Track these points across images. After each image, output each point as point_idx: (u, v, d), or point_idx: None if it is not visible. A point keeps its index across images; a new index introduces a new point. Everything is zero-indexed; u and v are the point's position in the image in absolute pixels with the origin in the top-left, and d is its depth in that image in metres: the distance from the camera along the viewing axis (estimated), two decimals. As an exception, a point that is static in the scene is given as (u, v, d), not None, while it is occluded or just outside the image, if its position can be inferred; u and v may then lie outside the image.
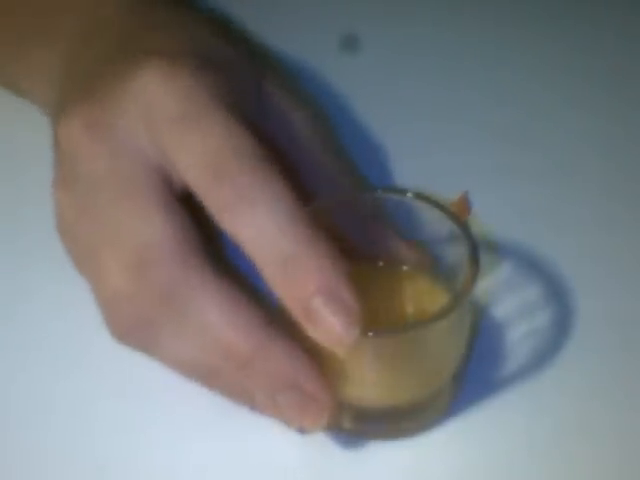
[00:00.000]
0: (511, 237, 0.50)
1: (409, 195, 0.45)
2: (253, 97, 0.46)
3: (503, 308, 0.47)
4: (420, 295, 0.44)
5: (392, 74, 0.59)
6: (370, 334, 0.39)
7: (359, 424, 0.43)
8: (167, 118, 0.41)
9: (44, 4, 0.50)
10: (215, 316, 0.39)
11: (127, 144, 0.41)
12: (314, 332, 0.38)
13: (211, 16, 0.51)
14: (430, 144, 0.55)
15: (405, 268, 0.45)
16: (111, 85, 0.42)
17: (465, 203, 0.52)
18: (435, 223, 0.44)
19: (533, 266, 0.49)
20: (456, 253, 0.43)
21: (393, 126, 0.56)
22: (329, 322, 0.38)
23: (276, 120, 0.46)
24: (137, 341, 0.41)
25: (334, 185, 0.46)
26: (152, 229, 0.40)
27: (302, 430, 0.42)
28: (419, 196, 0.45)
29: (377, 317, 0.42)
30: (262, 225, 0.39)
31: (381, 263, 0.46)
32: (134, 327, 0.41)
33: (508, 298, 0.47)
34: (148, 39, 0.45)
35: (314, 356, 0.40)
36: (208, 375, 0.41)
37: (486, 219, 0.51)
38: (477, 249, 0.42)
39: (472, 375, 0.44)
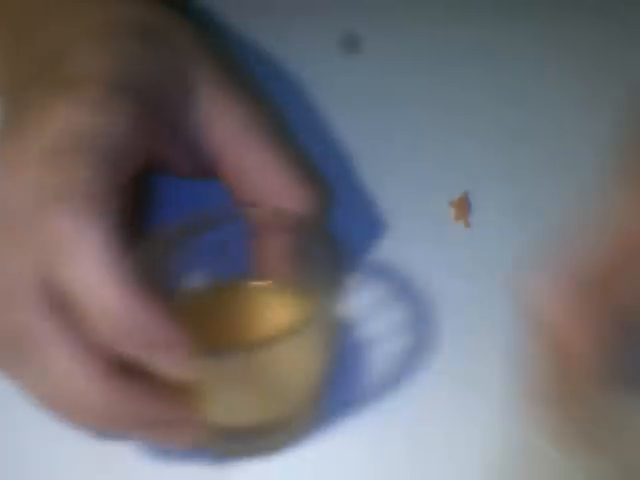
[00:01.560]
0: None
1: (275, 211, 0.45)
2: (175, 108, 0.45)
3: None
4: (287, 313, 0.44)
5: (392, 74, 0.59)
6: (215, 356, 0.40)
7: (224, 443, 0.43)
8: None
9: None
10: (65, 365, 0.39)
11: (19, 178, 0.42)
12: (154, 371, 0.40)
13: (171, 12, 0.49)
14: (430, 144, 0.55)
15: (275, 285, 0.45)
16: (21, 120, 0.43)
17: (465, 203, 0.52)
18: (303, 240, 0.44)
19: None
20: (323, 272, 0.43)
21: (393, 126, 0.56)
22: (162, 366, 0.39)
23: (212, 124, 0.46)
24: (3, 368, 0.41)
25: (272, 184, 0.46)
26: (15, 272, 0.40)
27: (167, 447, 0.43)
28: (281, 212, 0.45)
29: (241, 335, 0.44)
30: (79, 276, 0.39)
31: (255, 281, 0.46)
32: None
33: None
34: (77, 56, 0.45)
35: (171, 383, 0.40)
36: (65, 415, 0.41)
37: (486, 219, 0.51)
38: (337, 269, 0.42)
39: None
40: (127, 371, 0.40)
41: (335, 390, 0.45)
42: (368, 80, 0.59)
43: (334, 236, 0.44)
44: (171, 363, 0.39)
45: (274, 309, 0.45)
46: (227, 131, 0.46)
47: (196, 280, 0.45)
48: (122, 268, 0.39)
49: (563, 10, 0.61)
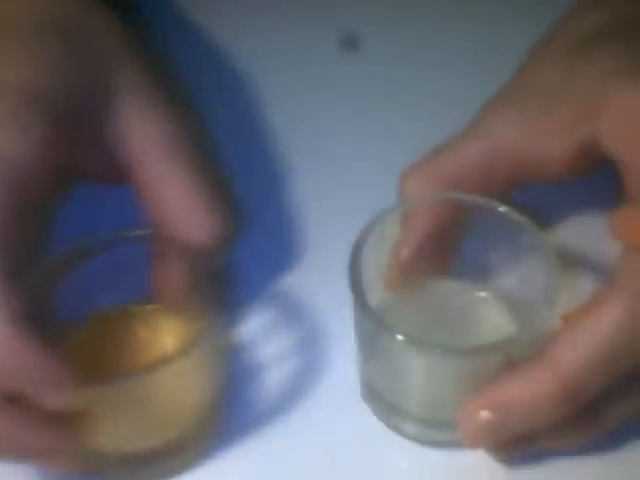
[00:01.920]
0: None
1: (173, 236, 0.44)
2: (96, 114, 0.44)
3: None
4: (176, 337, 0.44)
5: (392, 73, 0.59)
6: (97, 385, 0.40)
7: (116, 470, 0.43)
8: None
9: None
10: None
11: None
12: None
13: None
14: (430, 143, 0.55)
15: (167, 310, 0.45)
16: None
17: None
18: (197, 265, 0.44)
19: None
20: (211, 297, 0.43)
21: (393, 125, 0.56)
22: (40, 398, 0.39)
23: (129, 133, 0.45)
24: None
25: (182, 210, 0.45)
26: None
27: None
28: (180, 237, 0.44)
29: (130, 361, 0.43)
30: None
31: (149, 305, 0.45)
32: None
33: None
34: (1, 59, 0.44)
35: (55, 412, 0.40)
36: None
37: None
38: (224, 294, 0.42)
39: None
40: (13, 398, 0.40)
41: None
42: (368, 80, 0.59)
43: (225, 260, 0.44)
44: (49, 397, 0.39)
45: (164, 334, 0.45)
46: (143, 143, 0.45)
47: (92, 304, 0.45)
48: (4, 300, 0.39)
49: (565, 10, 0.61)
